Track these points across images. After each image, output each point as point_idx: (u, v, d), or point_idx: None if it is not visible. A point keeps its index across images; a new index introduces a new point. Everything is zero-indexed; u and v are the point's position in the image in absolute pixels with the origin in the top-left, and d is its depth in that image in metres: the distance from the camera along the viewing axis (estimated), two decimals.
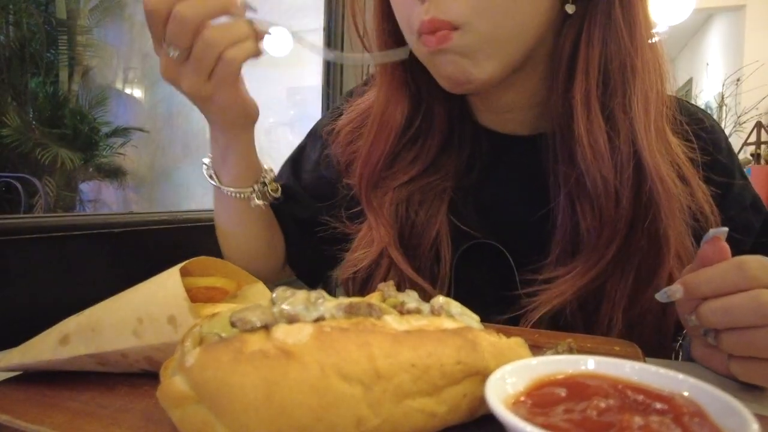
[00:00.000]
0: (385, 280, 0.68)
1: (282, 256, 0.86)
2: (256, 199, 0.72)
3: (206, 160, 0.73)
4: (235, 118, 0.67)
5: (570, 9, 0.60)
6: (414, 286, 0.69)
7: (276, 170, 0.83)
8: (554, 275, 0.62)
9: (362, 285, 0.73)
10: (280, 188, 0.78)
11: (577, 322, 0.63)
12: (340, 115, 0.81)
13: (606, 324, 0.62)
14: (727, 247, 0.44)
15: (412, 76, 0.70)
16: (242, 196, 0.72)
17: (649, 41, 0.61)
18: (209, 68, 0.56)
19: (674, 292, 0.46)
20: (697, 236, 0.61)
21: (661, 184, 0.58)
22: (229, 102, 0.63)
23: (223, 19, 0.55)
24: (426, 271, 0.71)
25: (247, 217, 0.75)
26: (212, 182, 0.72)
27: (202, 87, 0.58)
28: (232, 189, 0.71)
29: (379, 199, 0.72)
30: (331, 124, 0.81)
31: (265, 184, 0.74)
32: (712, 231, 0.44)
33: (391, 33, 0.68)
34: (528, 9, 0.57)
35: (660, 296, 0.47)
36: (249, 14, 0.57)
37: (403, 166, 0.72)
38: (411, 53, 0.64)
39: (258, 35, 0.58)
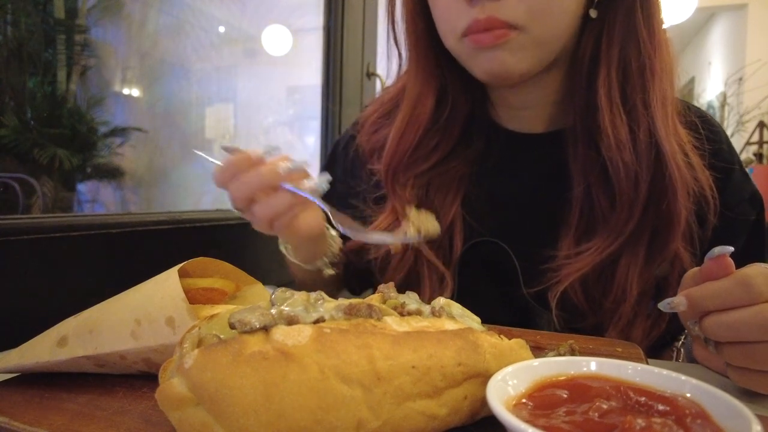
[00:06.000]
0: (402, 259, 0.75)
1: (340, 282, 0.91)
2: (326, 269, 0.78)
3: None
4: (299, 241, 0.72)
5: (593, 13, 0.65)
6: (429, 266, 0.74)
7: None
8: (574, 252, 0.68)
9: (382, 263, 0.78)
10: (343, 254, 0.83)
11: (592, 294, 0.68)
12: (346, 145, 0.87)
13: (619, 294, 0.66)
14: (731, 262, 0.45)
15: (441, 70, 0.74)
16: (313, 267, 0.77)
17: (666, 38, 0.66)
18: (266, 226, 0.64)
19: (678, 304, 0.46)
20: (699, 218, 0.67)
21: (678, 170, 0.64)
22: (287, 237, 0.70)
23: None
24: (439, 254, 0.75)
25: (318, 274, 0.80)
26: (288, 256, 0.77)
27: (266, 230, 0.66)
28: (304, 265, 0.76)
29: (402, 185, 0.77)
30: (354, 127, 0.87)
31: (334, 254, 0.79)
32: (717, 249, 0.45)
33: (426, 31, 0.72)
34: (569, 13, 0.63)
35: (663, 306, 0.48)
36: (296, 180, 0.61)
37: (425, 153, 0.77)
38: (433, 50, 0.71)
39: (302, 205, 0.63)
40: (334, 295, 0.81)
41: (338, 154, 0.91)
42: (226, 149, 0.62)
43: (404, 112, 0.76)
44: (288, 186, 0.60)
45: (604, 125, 0.65)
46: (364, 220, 0.80)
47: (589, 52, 0.67)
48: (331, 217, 0.63)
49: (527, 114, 0.76)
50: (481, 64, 0.66)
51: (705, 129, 0.70)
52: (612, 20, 0.65)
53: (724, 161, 0.70)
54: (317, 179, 0.62)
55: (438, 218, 0.75)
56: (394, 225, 0.76)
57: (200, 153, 0.66)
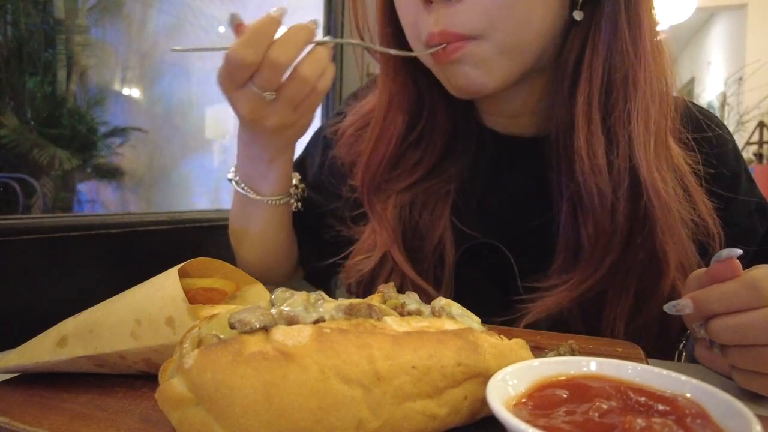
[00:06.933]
0: (387, 282, 0.68)
1: (295, 260, 0.87)
2: (293, 202, 0.74)
3: (233, 177, 0.73)
4: (296, 137, 0.67)
5: (578, 15, 0.59)
6: (417, 289, 0.68)
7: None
8: (553, 283, 0.62)
9: (366, 288, 0.74)
10: (305, 188, 0.79)
11: (578, 332, 0.63)
12: (344, 116, 0.81)
13: (608, 335, 0.62)
14: (739, 265, 0.44)
15: (415, 78, 0.69)
16: (280, 202, 0.72)
17: (654, 46, 0.60)
18: (300, 101, 0.58)
19: (683, 306, 0.46)
20: (701, 248, 0.61)
21: (657, 200, 0.58)
22: (308, 124, 0.65)
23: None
24: (429, 273, 0.71)
25: (275, 224, 0.75)
26: (250, 195, 0.71)
27: (289, 118, 0.60)
28: (273, 198, 0.71)
29: (383, 203, 0.71)
30: (335, 126, 0.81)
31: (296, 186, 0.75)
32: (725, 251, 0.44)
33: (395, 36, 0.67)
34: (540, 17, 0.57)
35: (668, 308, 0.47)
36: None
37: (406, 169, 0.71)
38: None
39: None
40: (292, 285, 0.77)
41: (320, 140, 0.85)
42: (234, 17, 0.55)
43: (375, 122, 0.71)
44: (319, 40, 0.56)
45: (579, 145, 0.59)
46: (350, 242, 0.76)
47: (573, 58, 0.61)
48: (342, 40, 0.60)
49: (515, 121, 0.71)
50: (448, 81, 0.62)
51: (705, 149, 0.64)
52: (597, 24, 0.59)
53: (728, 183, 0.65)
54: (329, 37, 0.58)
55: (425, 237, 0.70)
56: (371, 242, 0.71)
57: (180, 48, 0.56)
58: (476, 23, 0.55)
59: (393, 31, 0.67)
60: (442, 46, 0.58)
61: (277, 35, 0.55)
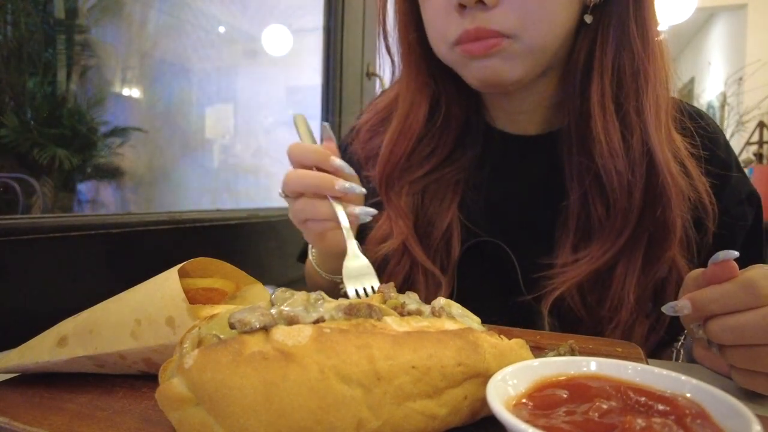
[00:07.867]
0: (399, 264, 0.75)
1: None
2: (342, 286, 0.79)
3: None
4: (323, 251, 0.74)
5: (588, 19, 0.65)
6: (427, 274, 0.74)
7: None
8: (571, 259, 0.67)
9: (377, 270, 0.77)
10: None
11: (590, 301, 0.67)
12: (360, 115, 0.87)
13: (616, 302, 0.66)
14: (735, 266, 0.45)
15: (434, 77, 0.74)
16: (330, 279, 0.78)
17: (659, 43, 0.65)
18: (299, 221, 0.66)
19: (681, 307, 0.46)
20: (697, 224, 0.67)
21: (671, 178, 0.63)
22: (314, 243, 0.71)
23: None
24: (436, 260, 0.75)
25: (333, 287, 0.81)
26: (312, 261, 0.78)
27: (296, 224, 0.68)
28: (324, 274, 0.77)
29: (397, 193, 0.77)
30: (351, 126, 0.88)
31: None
32: (722, 253, 0.45)
33: (418, 42, 0.72)
34: (562, 21, 0.63)
35: (667, 309, 0.48)
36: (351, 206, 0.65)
37: (419, 160, 0.76)
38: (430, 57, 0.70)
39: (338, 222, 0.64)
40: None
41: None
42: (325, 128, 0.67)
43: (397, 122, 0.76)
44: (333, 202, 0.63)
45: (597, 131, 0.64)
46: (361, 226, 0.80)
47: (583, 57, 0.67)
48: (350, 249, 0.64)
49: (522, 117, 0.75)
50: (473, 73, 0.66)
51: (700, 134, 0.69)
52: (606, 26, 0.64)
53: (721, 165, 0.70)
54: (361, 211, 0.64)
55: (434, 224, 0.76)
56: (387, 228, 0.76)
57: (298, 116, 0.68)
58: (511, 23, 0.60)
59: (417, 36, 0.72)
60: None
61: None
